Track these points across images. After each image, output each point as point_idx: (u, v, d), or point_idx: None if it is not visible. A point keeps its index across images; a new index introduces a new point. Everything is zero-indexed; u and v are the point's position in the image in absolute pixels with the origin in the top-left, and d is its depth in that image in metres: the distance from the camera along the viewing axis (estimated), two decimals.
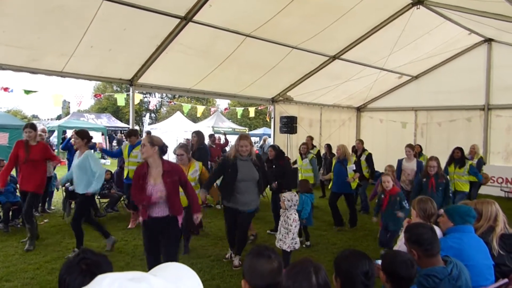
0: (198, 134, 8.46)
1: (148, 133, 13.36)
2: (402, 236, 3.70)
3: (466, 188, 8.31)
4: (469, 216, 3.27)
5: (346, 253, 2.25)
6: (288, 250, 5.23)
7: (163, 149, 4.29)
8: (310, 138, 10.95)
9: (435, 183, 6.49)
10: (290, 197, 5.34)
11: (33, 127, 6.42)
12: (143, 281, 0.82)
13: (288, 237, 5.24)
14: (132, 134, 7.87)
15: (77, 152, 6.06)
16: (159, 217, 4.25)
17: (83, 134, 6.00)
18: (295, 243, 5.28)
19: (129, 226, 7.73)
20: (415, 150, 8.82)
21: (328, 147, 11.45)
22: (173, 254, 4.38)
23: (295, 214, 5.32)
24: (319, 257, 6.09)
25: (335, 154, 8.66)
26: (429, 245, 2.65)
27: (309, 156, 9.52)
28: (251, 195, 5.65)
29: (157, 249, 4.38)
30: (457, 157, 8.40)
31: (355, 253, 2.23)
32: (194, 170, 6.04)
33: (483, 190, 10.48)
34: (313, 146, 11.17)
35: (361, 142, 10.13)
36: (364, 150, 9.76)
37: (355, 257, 2.18)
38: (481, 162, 10.24)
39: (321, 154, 11.61)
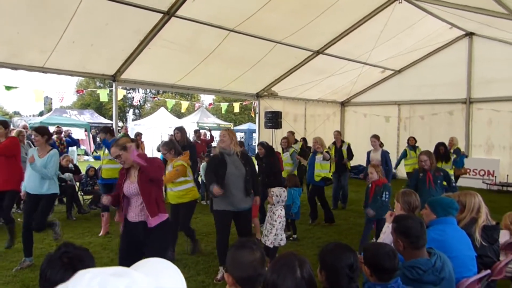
0: (181, 130, 8.38)
1: (126, 128, 13.25)
2: (384, 229, 3.74)
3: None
4: (452, 208, 3.31)
5: (331, 246, 2.26)
6: (271, 246, 5.07)
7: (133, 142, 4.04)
8: (292, 133, 10.88)
9: (432, 177, 6.30)
10: (278, 193, 5.26)
11: (3, 124, 5.88)
12: (125, 276, 0.81)
13: (271, 232, 5.13)
14: (106, 131, 7.37)
15: (35, 150, 5.47)
16: (136, 222, 3.92)
17: (43, 131, 5.52)
18: (280, 240, 5.15)
19: (100, 234, 7.18)
20: (379, 142, 8.82)
21: (304, 140, 11.51)
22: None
23: (281, 210, 5.23)
24: (305, 251, 6.11)
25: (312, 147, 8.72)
26: (416, 238, 2.68)
27: (290, 150, 9.35)
28: (242, 192, 5.12)
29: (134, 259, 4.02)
30: (442, 153, 8.73)
31: (340, 246, 2.24)
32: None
33: (465, 182, 10.64)
34: (296, 141, 11.18)
35: (339, 133, 10.15)
36: (343, 141, 9.83)
37: (340, 250, 2.19)
38: (458, 152, 10.43)
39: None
